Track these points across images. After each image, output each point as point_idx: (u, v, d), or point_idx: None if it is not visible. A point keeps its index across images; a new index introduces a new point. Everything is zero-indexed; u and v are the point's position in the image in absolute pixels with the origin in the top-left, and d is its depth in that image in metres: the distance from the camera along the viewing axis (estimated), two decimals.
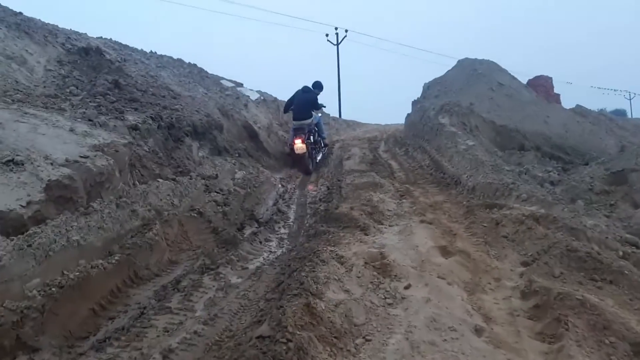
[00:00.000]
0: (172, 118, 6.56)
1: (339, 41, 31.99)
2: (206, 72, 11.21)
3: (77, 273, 2.98)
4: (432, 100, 15.37)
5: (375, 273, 3.52)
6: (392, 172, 8.27)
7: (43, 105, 4.96)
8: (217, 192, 5.85)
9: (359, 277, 3.41)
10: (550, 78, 24.84)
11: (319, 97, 9.95)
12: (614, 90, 47.94)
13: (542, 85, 22.08)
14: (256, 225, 5.43)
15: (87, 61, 7.68)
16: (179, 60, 11.12)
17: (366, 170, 7.98)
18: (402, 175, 8.06)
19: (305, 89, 9.90)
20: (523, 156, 8.54)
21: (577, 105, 20.59)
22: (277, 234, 5.24)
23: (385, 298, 3.21)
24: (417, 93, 17.61)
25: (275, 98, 12.80)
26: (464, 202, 5.68)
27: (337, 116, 21.81)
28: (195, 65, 11.21)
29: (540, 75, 24.06)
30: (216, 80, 11.13)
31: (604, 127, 16.37)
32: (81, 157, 3.82)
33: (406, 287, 3.39)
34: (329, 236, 4.37)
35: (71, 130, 4.36)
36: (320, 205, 6.18)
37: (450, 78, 17.16)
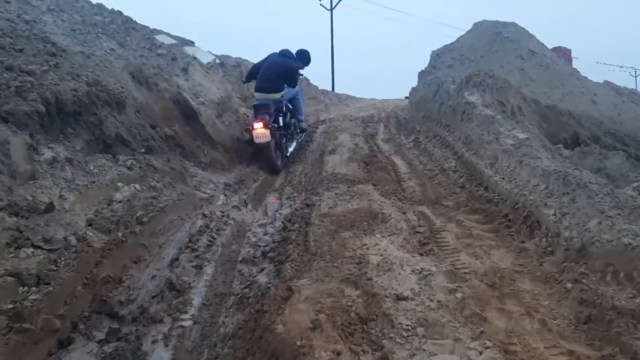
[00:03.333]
0: None
1: (334, 6, 28.12)
2: (134, 22, 7.88)
3: None
4: (446, 71, 12.13)
5: None
6: (398, 181, 5.12)
7: None
8: (38, 248, 2.72)
9: None
10: (570, 50, 21.66)
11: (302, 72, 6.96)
12: (620, 66, 44.95)
13: (561, 58, 18.83)
14: (104, 334, 2.35)
15: None
16: (98, 5, 7.82)
17: (357, 180, 4.81)
18: (415, 186, 4.91)
19: (283, 52, 6.68)
20: (605, 157, 5.35)
21: (606, 82, 17.67)
22: None
23: None
24: (419, 65, 14.22)
25: (239, 62, 9.44)
26: (570, 285, 2.56)
27: (329, 89, 18.36)
28: (120, 12, 7.88)
29: (560, 47, 20.82)
30: (148, 34, 7.84)
31: None
32: None
33: None
34: None
35: None
36: (260, 272, 3.02)
37: (467, 44, 13.71)
